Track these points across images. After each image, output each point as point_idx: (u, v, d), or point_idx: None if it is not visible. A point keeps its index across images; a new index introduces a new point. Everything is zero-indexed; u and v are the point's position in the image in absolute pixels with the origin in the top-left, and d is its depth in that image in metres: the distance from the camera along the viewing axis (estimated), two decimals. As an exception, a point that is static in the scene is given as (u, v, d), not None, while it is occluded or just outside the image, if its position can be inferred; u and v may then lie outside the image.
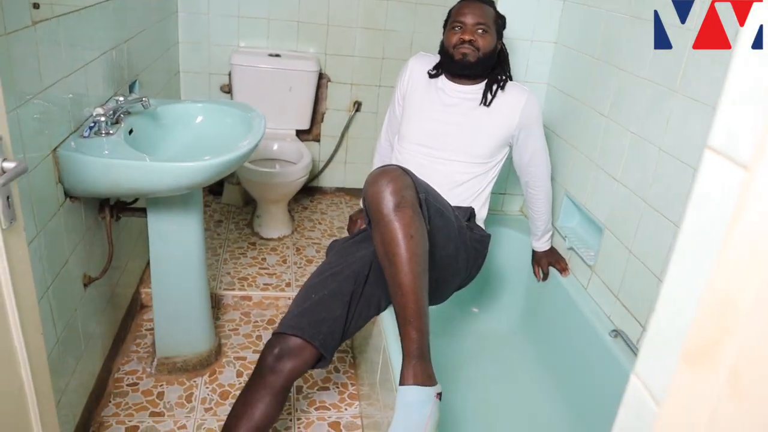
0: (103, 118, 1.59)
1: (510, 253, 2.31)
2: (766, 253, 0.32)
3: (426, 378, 1.37)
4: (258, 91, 2.88)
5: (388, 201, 1.44)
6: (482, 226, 1.93)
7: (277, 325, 1.62)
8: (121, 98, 1.73)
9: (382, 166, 1.57)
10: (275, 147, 2.90)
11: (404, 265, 1.42)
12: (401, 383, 1.37)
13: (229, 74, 2.98)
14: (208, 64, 3.00)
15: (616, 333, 1.75)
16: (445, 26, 1.93)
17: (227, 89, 3.03)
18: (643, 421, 0.40)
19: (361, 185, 3.28)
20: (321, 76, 3.05)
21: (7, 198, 0.93)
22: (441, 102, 1.91)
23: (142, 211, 1.80)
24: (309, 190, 3.32)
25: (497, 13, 1.89)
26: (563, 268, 2.11)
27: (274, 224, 2.86)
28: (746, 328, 0.32)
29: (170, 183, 1.56)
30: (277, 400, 1.52)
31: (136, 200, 1.89)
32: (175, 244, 1.82)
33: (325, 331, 1.53)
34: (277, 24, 2.96)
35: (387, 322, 1.66)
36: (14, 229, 0.95)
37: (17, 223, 0.97)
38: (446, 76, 1.93)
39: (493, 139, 1.89)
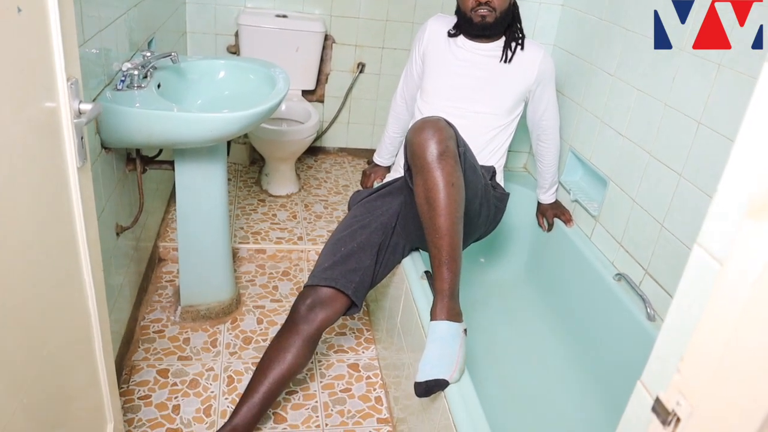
0: (135, 72, 1.65)
1: (515, 207, 2.40)
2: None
3: (455, 315, 1.48)
4: (265, 52, 2.91)
5: (433, 149, 1.50)
6: (501, 183, 2.02)
7: (307, 278, 1.71)
8: (149, 53, 1.78)
9: (426, 117, 1.62)
10: (283, 107, 2.95)
11: (444, 210, 1.50)
12: (433, 318, 1.47)
13: (236, 35, 3.01)
14: (214, 24, 3.02)
15: (620, 276, 1.87)
16: None
17: (234, 50, 3.06)
18: (704, 280, 0.49)
19: (363, 145, 3.42)
20: (326, 38, 3.09)
21: (81, 138, 0.99)
22: (464, 58, 1.98)
23: (170, 164, 1.87)
24: (312, 150, 3.39)
25: None
26: (568, 219, 2.22)
27: (283, 182, 2.93)
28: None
29: (202, 134, 1.63)
30: (308, 347, 1.63)
31: (159, 153, 1.96)
32: (201, 195, 1.89)
33: (356, 280, 1.64)
34: (284, -16, 2.99)
35: (408, 268, 1.76)
36: (85, 169, 1.02)
37: (86, 163, 1.04)
38: (465, 36, 2.00)
39: (514, 93, 1.97)
